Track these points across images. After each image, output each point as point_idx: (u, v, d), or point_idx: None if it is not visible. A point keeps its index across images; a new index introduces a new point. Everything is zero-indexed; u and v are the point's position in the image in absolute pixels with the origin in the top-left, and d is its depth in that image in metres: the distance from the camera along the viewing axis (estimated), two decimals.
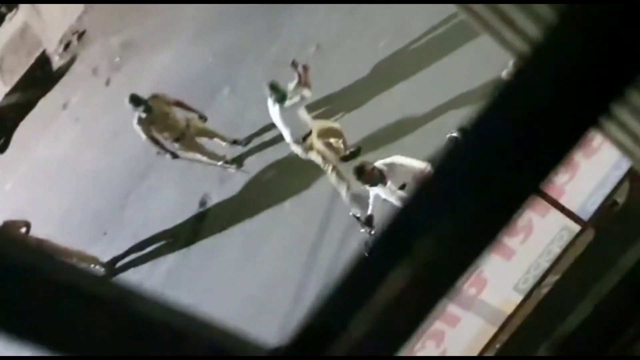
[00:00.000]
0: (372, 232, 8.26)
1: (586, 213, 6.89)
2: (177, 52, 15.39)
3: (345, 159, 10.32)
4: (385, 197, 8.22)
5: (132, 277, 12.25)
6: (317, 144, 10.07)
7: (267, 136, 12.08)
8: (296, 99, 9.79)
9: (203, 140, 11.89)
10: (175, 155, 11.84)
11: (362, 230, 8.42)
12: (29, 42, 20.09)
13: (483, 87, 9.72)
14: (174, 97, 11.77)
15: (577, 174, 6.77)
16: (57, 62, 19.17)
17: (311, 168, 10.94)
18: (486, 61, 9.90)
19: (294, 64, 10.02)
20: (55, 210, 14.61)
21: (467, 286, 6.77)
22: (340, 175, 10.04)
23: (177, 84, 14.52)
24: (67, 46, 19.22)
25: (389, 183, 8.04)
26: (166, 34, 15.90)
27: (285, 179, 11.31)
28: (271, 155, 11.53)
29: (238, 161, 12.07)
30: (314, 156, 10.09)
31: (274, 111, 9.94)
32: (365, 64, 11.62)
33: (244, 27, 13.80)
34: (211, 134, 11.95)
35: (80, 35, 19.02)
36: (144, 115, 11.35)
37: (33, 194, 15.60)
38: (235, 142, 12.13)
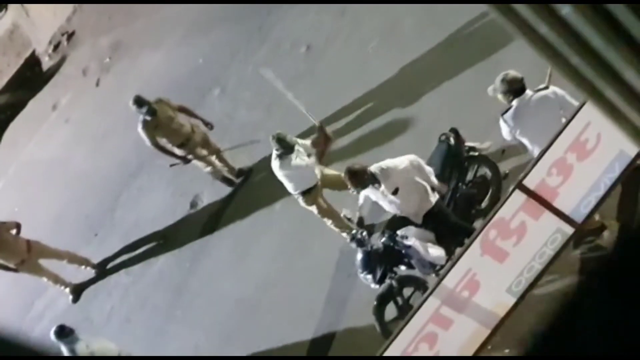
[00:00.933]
0: (363, 234, 8.27)
1: (579, 215, 6.91)
2: (167, 53, 15.36)
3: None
4: (375, 199, 8.24)
5: (124, 279, 12.24)
6: (320, 199, 9.56)
7: (257, 137, 12.07)
8: (305, 160, 9.23)
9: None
10: (187, 161, 11.42)
11: (353, 231, 8.43)
12: (18, 43, 20.03)
13: (474, 87, 9.75)
14: (178, 103, 11.43)
15: (571, 176, 6.78)
16: (46, 62, 19.11)
17: None
18: (477, 61, 9.94)
19: (321, 128, 9.53)
20: (45, 211, 14.57)
21: (460, 289, 6.78)
22: (341, 223, 9.55)
23: (167, 84, 14.49)
24: (56, 47, 19.16)
25: (382, 187, 8.06)
26: (156, 35, 15.88)
27: (276, 180, 11.29)
28: (262, 156, 11.51)
29: (242, 173, 11.84)
30: (314, 210, 9.62)
31: (275, 164, 9.32)
32: (355, 64, 11.63)
33: (234, 27, 13.79)
34: (212, 150, 11.56)
35: (70, 36, 18.96)
36: (148, 118, 10.98)
37: (23, 195, 15.56)
38: (240, 173, 11.81)
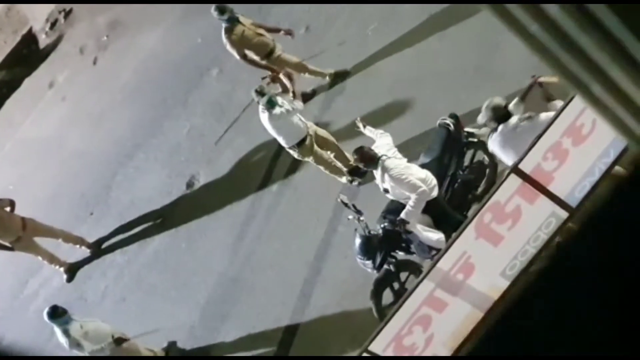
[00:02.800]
0: (361, 218, 8.28)
1: (574, 200, 6.90)
2: (165, 32, 15.30)
3: (351, 173, 9.96)
4: (379, 181, 8.26)
5: (119, 259, 12.23)
6: (315, 147, 9.77)
7: (255, 118, 12.04)
8: (286, 107, 9.56)
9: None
10: (275, 73, 11.14)
11: (350, 217, 8.43)
12: (14, 20, 19.91)
13: (473, 70, 9.72)
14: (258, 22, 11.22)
15: (566, 161, 6.78)
16: (43, 40, 19.01)
17: None
18: (476, 44, 9.90)
19: (273, 78, 9.85)
20: (41, 189, 14.54)
21: (455, 272, 6.78)
22: (336, 170, 9.85)
23: (165, 63, 14.46)
24: (53, 25, 19.06)
25: (377, 177, 8.14)
26: (154, 14, 15.79)
27: (273, 161, 11.29)
28: (259, 137, 11.49)
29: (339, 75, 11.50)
30: (311, 160, 9.85)
31: (263, 118, 9.68)
32: (354, 46, 11.59)
33: (234, 7, 13.71)
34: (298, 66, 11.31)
35: (67, 13, 18.86)
36: (229, 25, 10.81)
37: (18, 173, 15.52)
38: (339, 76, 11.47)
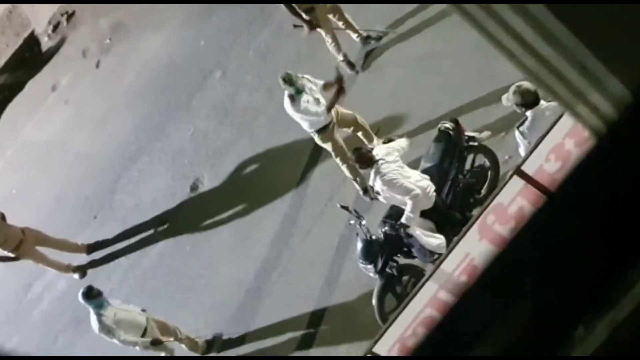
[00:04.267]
0: (363, 223, 8.32)
1: None
2: (168, 35, 15.31)
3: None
4: (371, 182, 8.31)
5: (123, 262, 12.25)
6: (336, 136, 9.63)
7: (259, 120, 12.06)
8: (314, 96, 9.35)
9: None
10: (312, 27, 10.85)
11: (352, 221, 8.49)
12: (16, 23, 19.92)
13: (475, 75, 9.73)
14: None
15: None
16: (46, 43, 19.01)
17: (303, 154, 10.94)
18: (477, 47, 9.90)
19: (339, 78, 9.47)
20: (44, 193, 14.55)
21: (458, 273, 6.80)
22: (354, 171, 9.68)
23: (169, 66, 14.46)
24: (56, 27, 19.06)
25: (370, 178, 8.22)
26: (157, 16, 15.81)
27: (277, 164, 11.30)
28: (264, 140, 11.51)
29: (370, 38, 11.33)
30: (329, 148, 9.72)
31: (287, 104, 9.44)
32: (357, 50, 11.59)
33: (236, 10, 13.72)
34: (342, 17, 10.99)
35: (70, 16, 18.87)
36: None
37: (21, 176, 15.52)
38: (367, 38, 11.29)
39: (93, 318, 9.33)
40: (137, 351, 9.52)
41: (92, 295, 9.27)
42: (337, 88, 9.45)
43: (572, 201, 1.31)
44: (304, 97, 9.27)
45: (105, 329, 9.25)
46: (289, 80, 9.21)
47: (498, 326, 1.41)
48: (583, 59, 1.75)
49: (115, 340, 9.31)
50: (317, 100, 9.37)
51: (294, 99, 9.29)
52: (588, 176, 1.29)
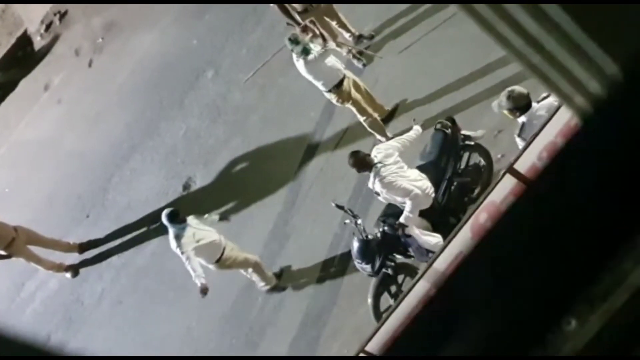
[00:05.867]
0: (358, 222, 8.32)
1: None
2: (160, 34, 15.29)
3: (385, 119, 10.01)
4: (370, 185, 8.30)
5: (115, 261, 12.22)
6: (353, 91, 9.75)
7: (251, 119, 12.05)
8: (319, 49, 9.51)
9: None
10: (304, 28, 10.60)
11: (347, 221, 8.49)
12: (9, 22, 19.88)
13: (470, 71, 9.73)
14: None
15: None
16: (38, 42, 18.97)
17: (296, 152, 10.93)
18: (472, 46, 9.90)
19: (304, 29, 9.71)
20: (37, 192, 14.52)
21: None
22: (376, 125, 9.81)
23: (161, 65, 14.44)
24: (48, 26, 19.02)
25: (369, 180, 8.21)
26: (149, 15, 15.78)
27: (270, 163, 11.29)
28: (256, 138, 11.50)
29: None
30: (348, 105, 9.80)
31: (299, 65, 9.61)
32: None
33: (229, 9, 13.70)
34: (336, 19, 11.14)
35: (62, 15, 18.83)
36: None
37: (14, 175, 15.49)
38: (360, 37, 11.36)
39: (171, 238, 9.35)
40: (211, 270, 9.48)
41: (176, 220, 9.31)
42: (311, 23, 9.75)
43: (557, 187, 1.30)
44: (312, 54, 9.44)
45: (182, 248, 9.22)
46: (295, 40, 9.43)
47: (479, 320, 1.39)
48: (576, 37, 1.75)
49: (184, 259, 9.26)
50: (326, 53, 9.55)
51: (304, 58, 9.45)
52: (575, 159, 1.28)
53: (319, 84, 9.72)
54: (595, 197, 1.32)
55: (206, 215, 9.79)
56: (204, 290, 9.20)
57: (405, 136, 8.51)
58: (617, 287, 1.41)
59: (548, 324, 1.41)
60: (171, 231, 9.38)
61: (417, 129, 8.57)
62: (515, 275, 1.44)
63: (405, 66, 10.67)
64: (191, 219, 9.44)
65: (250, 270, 9.75)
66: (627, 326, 1.44)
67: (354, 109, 9.81)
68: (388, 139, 9.39)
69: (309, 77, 9.68)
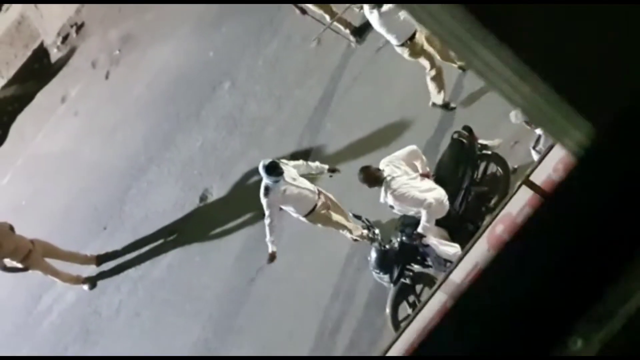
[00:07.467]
0: (376, 232, 8.33)
1: None
2: (177, 46, 15.36)
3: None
4: (382, 200, 8.31)
5: (132, 273, 12.26)
6: (425, 44, 9.67)
7: (268, 131, 12.08)
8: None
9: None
10: (304, 12, 11.21)
11: (364, 231, 8.50)
12: (26, 34, 20.00)
13: (484, 85, 9.70)
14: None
15: None
16: (55, 54, 19.09)
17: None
18: None
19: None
20: (54, 204, 14.59)
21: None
22: (440, 82, 9.80)
23: (178, 77, 14.50)
24: (65, 38, 19.14)
25: (381, 194, 8.21)
26: (166, 27, 15.86)
27: None
28: (273, 150, 11.50)
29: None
30: (421, 59, 9.74)
31: (372, 18, 9.56)
32: (365, 60, 11.60)
33: (245, 20, 13.76)
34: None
35: (79, 27, 18.95)
36: None
37: (31, 188, 15.58)
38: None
39: (263, 186, 9.13)
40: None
41: (274, 172, 8.95)
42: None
43: (568, 204, 1.30)
44: (385, 5, 9.37)
45: (268, 201, 9.06)
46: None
47: (489, 338, 1.39)
48: (554, 100, 1.78)
49: (267, 219, 9.14)
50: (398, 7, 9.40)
51: (379, 9, 9.38)
52: (581, 180, 1.29)
53: (391, 38, 9.69)
54: (602, 215, 1.32)
55: (314, 164, 9.56)
56: (272, 258, 9.11)
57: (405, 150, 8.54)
58: (623, 306, 1.41)
59: (554, 343, 1.41)
60: (264, 182, 9.14)
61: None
62: (525, 294, 1.44)
63: (418, 77, 10.67)
64: (288, 174, 9.10)
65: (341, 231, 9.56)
66: (634, 345, 1.44)
67: (425, 63, 9.77)
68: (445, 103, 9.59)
69: (382, 30, 9.63)
